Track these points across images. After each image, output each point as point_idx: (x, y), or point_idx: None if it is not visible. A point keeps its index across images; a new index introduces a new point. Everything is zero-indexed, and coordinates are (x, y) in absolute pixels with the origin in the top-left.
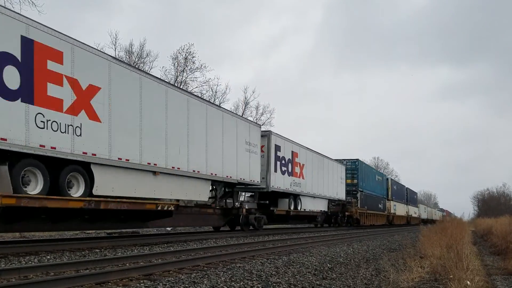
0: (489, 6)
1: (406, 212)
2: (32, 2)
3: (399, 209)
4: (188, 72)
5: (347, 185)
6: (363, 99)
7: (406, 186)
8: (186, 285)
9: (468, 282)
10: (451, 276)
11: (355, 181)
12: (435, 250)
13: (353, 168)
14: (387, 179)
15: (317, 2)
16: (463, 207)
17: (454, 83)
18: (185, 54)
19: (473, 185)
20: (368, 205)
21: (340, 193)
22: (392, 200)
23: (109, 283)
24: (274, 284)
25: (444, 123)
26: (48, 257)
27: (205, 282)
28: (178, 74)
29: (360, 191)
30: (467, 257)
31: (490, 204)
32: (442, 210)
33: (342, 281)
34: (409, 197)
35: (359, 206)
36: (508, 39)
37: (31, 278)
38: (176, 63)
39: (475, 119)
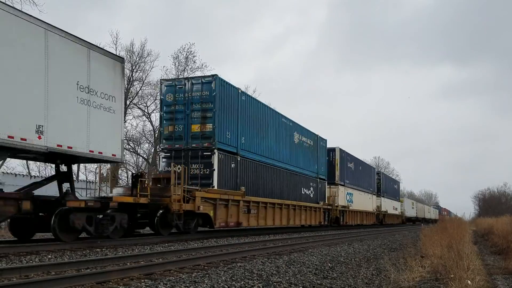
0: (492, 5)
1: (377, 206)
2: (33, 2)
3: (360, 201)
4: (189, 72)
5: (192, 136)
6: (365, 98)
7: (377, 169)
8: (187, 285)
9: (469, 282)
10: (452, 276)
11: (210, 127)
12: (435, 249)
13: (205, 96)
14: (334, 149)
15: (321, 1)
16: (464, 207)
17: (456, 82)
18: (186, 54)
19: (475, 185)
20: (255, 183)
21: (80, 138)
22: (343, 186)
23: (110, 282)
24: (275, 284)
25: (446, 123)
26: (49, 256)
27: (205, 281)
28: (179, 73)
29: (221, 151)
30: (468, 257)
31: (490, 204)
32: (438, 207)
33: (343, 281)
34: (384, 185)
35: (215, 185)
36: (510, 39)
37: (32, 278)
38: (177, 63)
39: (477, 118)
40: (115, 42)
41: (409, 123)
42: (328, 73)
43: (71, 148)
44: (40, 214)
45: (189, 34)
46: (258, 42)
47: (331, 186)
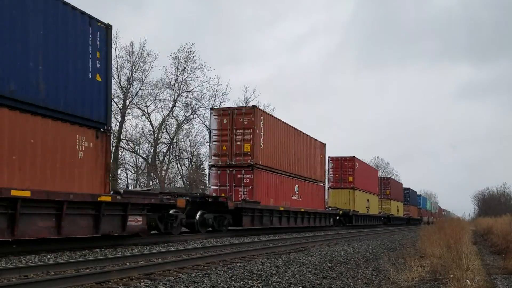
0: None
1: None
2: None
3: None
4: (188, 72)
5: None
6: (384, 97)
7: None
8: (187, 285)
9: (468, 282)
10: (451, 276)
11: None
12: (435, 249)
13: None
14: None
15: (348, 2)
16: (469, 207)
17: (472, 82)
18: (186, 54)
19: (473, 185)
20: None
21: None
22: None
23: (110, 283)
24: (275, 284)
25: (458, 123)
26: (49, 256)
27: (205, 281)
28: (179, 73)
29: None
30: (467, 257)
31: (490, 204)
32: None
33: (342, 281)
34: None
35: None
36: None
37: (31, 278)
38: (176, 63)
39: (488, 119)
40: (114, 42)
41: (422, 123)
42: (349, 73)
43: None
44: None
45: (209, 33)
46: (280, 41)
47: None
